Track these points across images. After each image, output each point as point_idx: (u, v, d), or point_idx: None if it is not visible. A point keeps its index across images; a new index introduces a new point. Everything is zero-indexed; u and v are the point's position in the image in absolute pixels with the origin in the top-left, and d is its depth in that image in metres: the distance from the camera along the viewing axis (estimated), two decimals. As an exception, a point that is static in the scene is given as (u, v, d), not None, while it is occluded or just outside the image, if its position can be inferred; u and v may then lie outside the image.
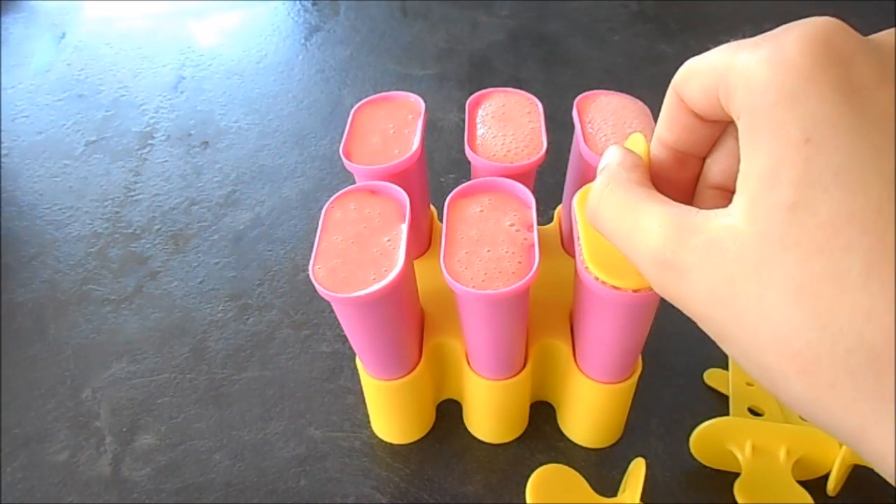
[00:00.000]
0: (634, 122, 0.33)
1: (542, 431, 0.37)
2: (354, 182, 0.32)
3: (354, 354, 0.34)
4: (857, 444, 0.15)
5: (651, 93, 0.30)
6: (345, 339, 0.40)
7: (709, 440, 0.34)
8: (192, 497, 0.35)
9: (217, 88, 0.62)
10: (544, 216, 0.44)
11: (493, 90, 0.36)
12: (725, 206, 0.18)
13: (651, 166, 0.22)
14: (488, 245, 0.28)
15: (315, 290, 0.27)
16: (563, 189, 0.39)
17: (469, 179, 0.32)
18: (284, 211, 0.50)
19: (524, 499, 0.29)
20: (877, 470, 0.16)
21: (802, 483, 0.33)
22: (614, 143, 0.32)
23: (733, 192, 0.17)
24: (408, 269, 0.29)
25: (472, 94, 0.36)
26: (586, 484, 0.31)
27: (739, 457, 0.34)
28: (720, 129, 0.21)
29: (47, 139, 0.57)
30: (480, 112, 0.35)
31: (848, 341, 0.15)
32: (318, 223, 0.29)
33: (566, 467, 0.31)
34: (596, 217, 0.22)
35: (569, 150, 0.36)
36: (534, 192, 0.30)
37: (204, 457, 0.37)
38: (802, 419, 0.35)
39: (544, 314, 0.35)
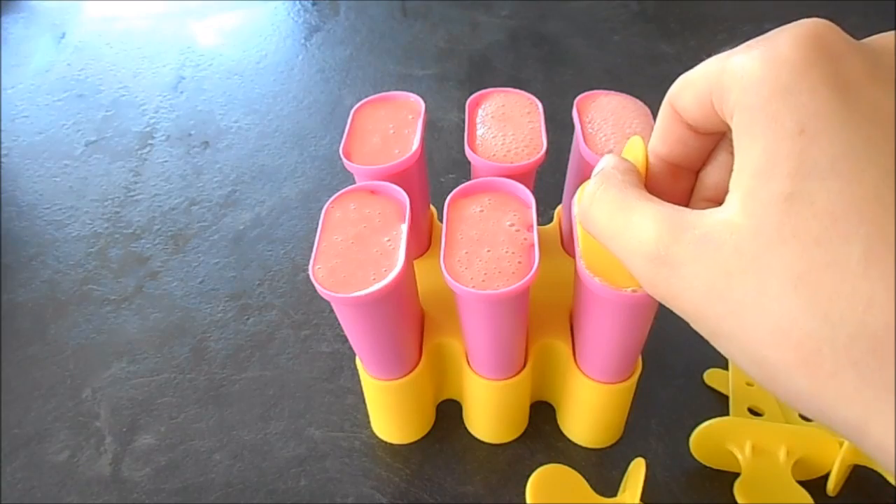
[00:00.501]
0: (634, 122, 0.33)
1: (542, 431, 0.37)
2: (354, 182, 0.32)
3: (354, 354, 0.34)
4: (858, 436, 0.15)
5: (651, 93, 0.30)
6: (345, 339, 0.40)
7: (709, 440, 0.34)
8: (192, 497, 0.35)
9: (217, 88, 0.62)
10: (544, 216, 0.44)
11: (493, 90, 0.36)
12: None
13: (646, 176, 0.22)
14: (488, 245, 0.28)
15: (315, 290, 0.27)
16: (563, 189, 0.39)
17: (469, 179, 0.32)
18: (284, 211, 0.50)
19: (524, 499, 0.29)
20: (878, 464, 0.16)
21: (802, 483, 0.33)
22: (614, 143, 0.32)
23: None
24: (408, 269, 0.29)
25: (471, 94, 0.36)
26: (586, 484, 0.31)
27: (739, 457, 0.34)
28: (714, 141, 0.21)
29: (47, 139, 0.57)
30: (480, 112, 0.35)
31: (849, 329, 0.15)
32: (318, 223, 0.29)
33: (566, 467, 0.31)
34: (587, 216, 0.22)
35: (569, 151, 0.36)
36: (534, 193, 0.30)
37: (204, 457, 0.37)
38: (802, 418, 0.35)
39: (544, 314, 0.35)
